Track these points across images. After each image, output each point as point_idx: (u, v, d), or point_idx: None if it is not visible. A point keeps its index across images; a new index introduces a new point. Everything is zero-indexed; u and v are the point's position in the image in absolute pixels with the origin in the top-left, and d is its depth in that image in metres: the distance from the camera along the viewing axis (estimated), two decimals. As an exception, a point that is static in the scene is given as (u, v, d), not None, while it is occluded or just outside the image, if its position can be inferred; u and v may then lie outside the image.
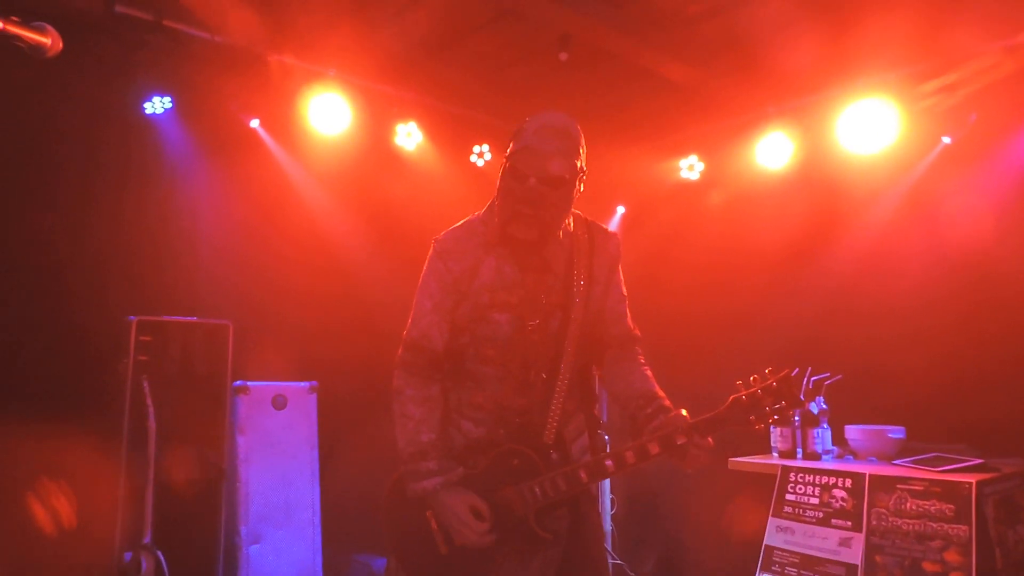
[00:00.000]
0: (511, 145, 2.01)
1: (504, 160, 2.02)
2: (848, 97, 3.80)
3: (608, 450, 2.14)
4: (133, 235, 3.80)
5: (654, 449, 1.89)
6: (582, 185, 2.04)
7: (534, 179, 1.93)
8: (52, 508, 3.07)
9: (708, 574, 4.22)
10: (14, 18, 1.43)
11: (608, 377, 2.16)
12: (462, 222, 2.14)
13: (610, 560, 3.75)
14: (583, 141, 2.03)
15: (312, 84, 4.04)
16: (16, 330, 3.36)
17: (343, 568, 4.08)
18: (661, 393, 2.06)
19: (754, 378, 1.88)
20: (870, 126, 3.72)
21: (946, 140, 3.66)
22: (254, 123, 4.21)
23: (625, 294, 2.20)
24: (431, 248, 2.12)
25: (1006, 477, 2.76)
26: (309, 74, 4.04)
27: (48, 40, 1.48)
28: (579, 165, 1.99)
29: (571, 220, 2.12)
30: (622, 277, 2.20)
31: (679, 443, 1.86)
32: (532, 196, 1.94)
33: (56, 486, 3.10)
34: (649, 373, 2.13)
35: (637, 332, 2.20)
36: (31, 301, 3.42)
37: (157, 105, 3.91)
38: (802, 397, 3.28)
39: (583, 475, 1.94)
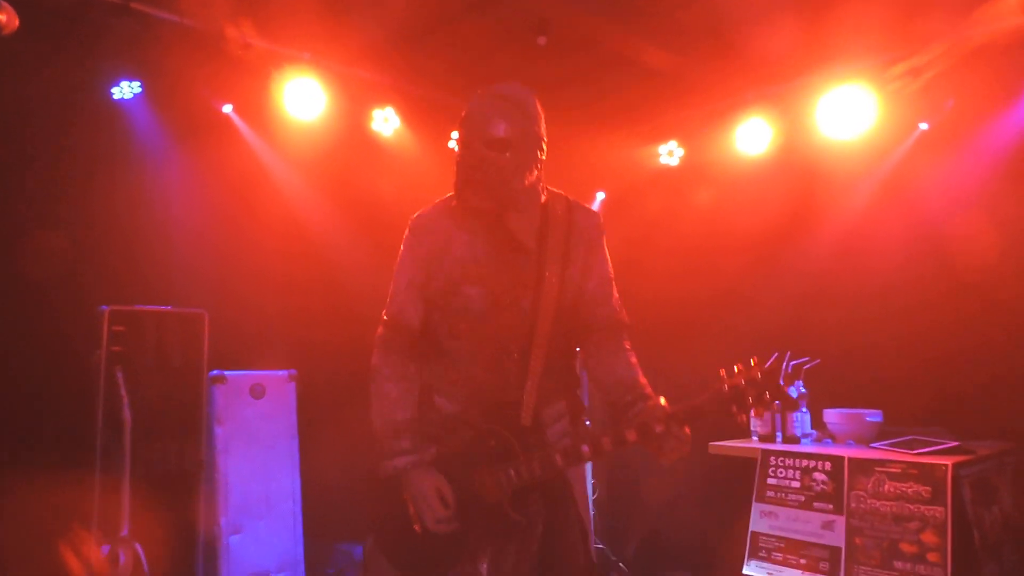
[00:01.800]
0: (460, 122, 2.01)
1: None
2: (826, 83, 3.82)
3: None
4: (104, 223, 3.72)
5: (631, 436, 1.86)
6: (542, 154, 2.03)
7: (477, 143, 1.94)
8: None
9: (689, 556, 4.26)
10: None
11: (591, 362, 2.12)
12: (437, 201, 2.14)
13: (592, 545, 3.76)
14: (537, 109, 2.03)
15: (286, 68, 3.97)
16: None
17: (325, 557, 4.06)
18: (644, 382, 2.03)
19: (739, 368, 1.83)
20: (848, 112, 3.75)
21: (923, 126, 3.69)
22: (227, 108, 4.13)
23: (611, 275, 2.14)
24: (407, 230, 2.13)
25: (981, 459, 2.81)
26: (283, 58, 3.97)
27: (3, 17, 1.42)
28: (530, 130, 1.98)
29: (544, 194, 2.10)
30: (607, 258, 2.15)
31: (657, 431, 1.83)
32: (476, 160, 1.94)
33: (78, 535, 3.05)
34: (634, 361, 2.09)
35: (624, 317, 2.14)
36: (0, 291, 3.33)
37: (126, 90, 3.82)
38: (782, 382, 3.30)
39: (559, 459, 1.91)
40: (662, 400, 1.90)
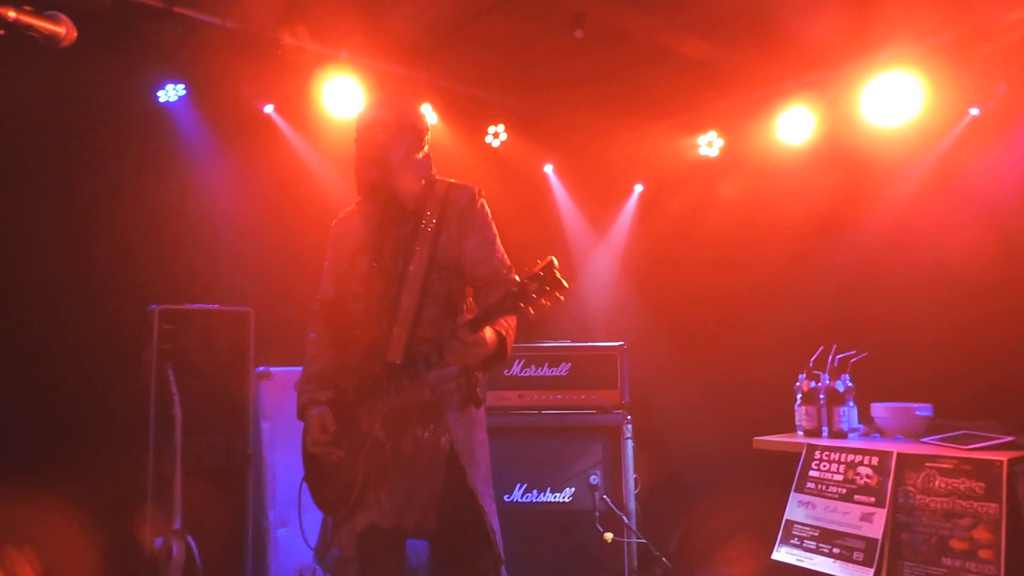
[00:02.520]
0: None
1: None
2: (872, 69, 3.72)
3: (481, 387, 2.42)
4: (152, 224, 3.81)
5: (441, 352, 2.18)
6: (421, 140, 2.46)
7: (362, 131, 2.43)
8: None
9: (732, 552, 4.23)
10: (27, 7, 1.41)
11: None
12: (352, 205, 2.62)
13: (634, 539, 3.76)
14: (413, 106, 2.53)
15: (325, 67, 4.01)
16: (41, 322, 3.38)
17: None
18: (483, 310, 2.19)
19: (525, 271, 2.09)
20: (894, 98, 3.64)
21: (974, 111, 3.58)
22: (268, 108, 4.19)
23: (490, 239, 2.43)
24: None
25: (1037, 454, 2.73)
26: (321, 57, 4.01)
27: (62, 29, 1.46)
28: (404, 117, 2.44)
29: (427, 179, 2.47)
30: (487, 224, 2.45)
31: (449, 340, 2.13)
32: (360, 141, 2.43)
33: None
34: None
35: (510, 275, 2.38)
36: (54, 293, 3.44)
37: (171, 93, 3.90)
38: (827, 375, 3.26)
39: (405, 381, 2.26)
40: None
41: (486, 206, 2.48)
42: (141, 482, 3.39)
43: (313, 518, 3.78)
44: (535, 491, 3.88)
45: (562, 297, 2.03)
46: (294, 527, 3.73)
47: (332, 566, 2.44)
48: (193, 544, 3.22)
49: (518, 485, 3.89)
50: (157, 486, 3.36)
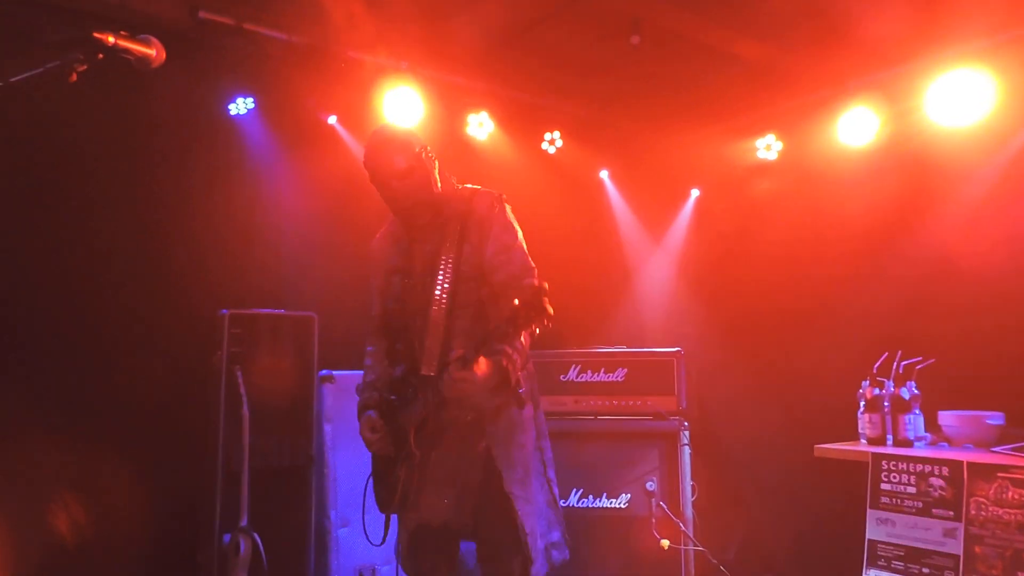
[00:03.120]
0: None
1: None
2: (938, 67, 3.61)
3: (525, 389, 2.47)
4: (222, 231, 3.94)
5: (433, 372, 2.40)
6: (434, 163, 2.54)
7: (389, 179, 2.46)
8: None
9: (791, 561, 4.15)
10: (123, 32, 1.50)
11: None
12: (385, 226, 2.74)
13: (691, 547, 3.73)
14: (416, 137, 2.55)
15: (386, 78, 4.11)
16: (119, 326, 3.55)
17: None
18: (500, 340, 2.27)
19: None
20: (962, 97, 3.53)
21: (1048, 109, 3.45)
22: (332, 119, 4.31)
23: (509, 245, 2.48)
24: None
25: (1117, 465, 2.61)
26: (383, 68, 4.11)
27: (154, 52, 1.55)
28: (419, 153, 2.48)
29: (448, 191, 2.56)
30: (508, 229, 2.50)
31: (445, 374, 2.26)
32: (393, 193, 2.48)
33: None
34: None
35: (525, 280, 2.41)
36: (133, 297, 3.60)
37: (240, 106, 4.06)
38: (891, 382, 3.18)
39: (430, 395, 2.36)
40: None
41: (507, 210, 2.53)
42: (211, 479, 3.52)
43: (376, 518, 3.87)
44: (591, 496, 3.88)
45: (548, 323, 2.10)
46: (355, 527, 3.81)
47: (398, 561, 2.61)
48: (259, 541, 3.31)
49: (574, 490, 3.89)
50: (225, 484, 3.46)
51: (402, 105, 4.13)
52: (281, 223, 4.21)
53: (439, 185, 2.56)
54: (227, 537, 3.36)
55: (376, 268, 2.69)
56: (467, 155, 4.65)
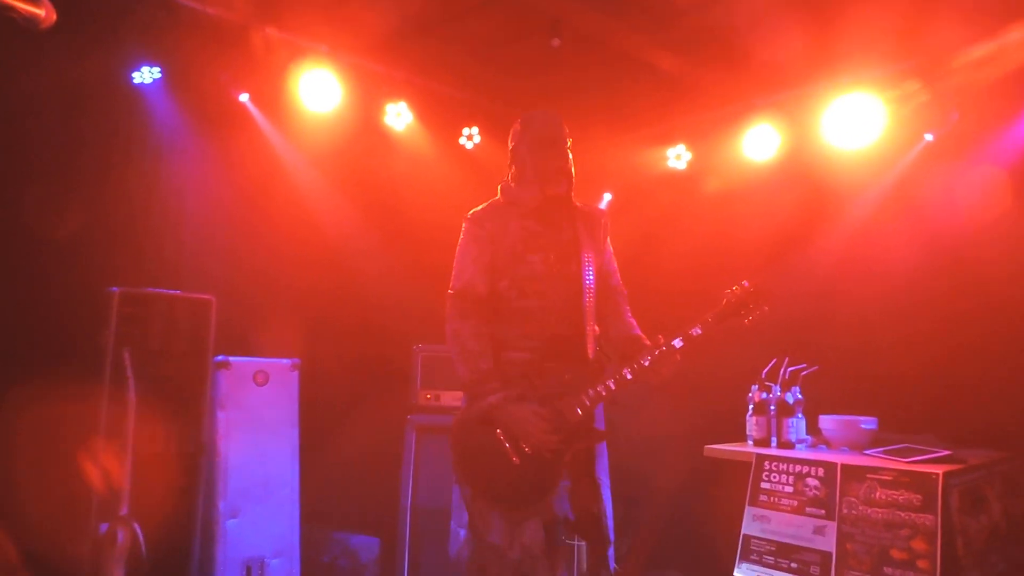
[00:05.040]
0: (524, 132, 2.67)
1: (518, 143, 2.67)
2: (834, 91, 3.83)
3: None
4: (119, 206, 3.77)
5: (645, 361, 2.44)
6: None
7: (562, 144, 2.60)
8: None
9: (680, 557, 4.28)
10: None
11: (605, 321, 2.66)
12: (486, 204, 2.68)
13: (582, 542, 3.78)
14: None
15: (303, 59, 4.02)
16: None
17: (321, 545, 4.10)
18: (642, 335, 2.63)
19: (736, 287, 2.53)
20: (855, 121, 3.75)
21: (929, 137, 3.71)
22: (243, 97, 4.17)
23: (612, 254, 2.77)
24: (464, 225, 2.65)
25: (972, 468, 2.82)
26: (300, 49, 4.02)
27: (42, 12, 1.47)
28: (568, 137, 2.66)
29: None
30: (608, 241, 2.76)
31: (688, 340, 2.49)
32: (564, 157, 2.60)
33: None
34: (633, 322, 2.71)
35: (624, 289, 2.78)
36: (14, 271, 3.39)
37: (146, 75, 3.88)
38: (778, 387, 3.33)
39: (628, 374, 2.42)
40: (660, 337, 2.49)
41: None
42: (90, 464, 3.34)
43: (265, 511, 3.77)
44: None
45: (766, 308, 2.46)
46: (244, 518, 3.70)
47: (520, 567, 2.42)
48: (139, 531, 3.17)
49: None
50: (106, 471, 3.31)
51: (319, 89, 4.06)
52: (184, 201, 4.06)
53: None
54: (104, 527, 3.20)
55: (495, 243, 2.57)
56: (385, 145, 4.60)
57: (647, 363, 2.42)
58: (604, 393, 2.41)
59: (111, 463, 3.15)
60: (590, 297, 2.54)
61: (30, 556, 3.08)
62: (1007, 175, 3.40)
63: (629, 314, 2.72)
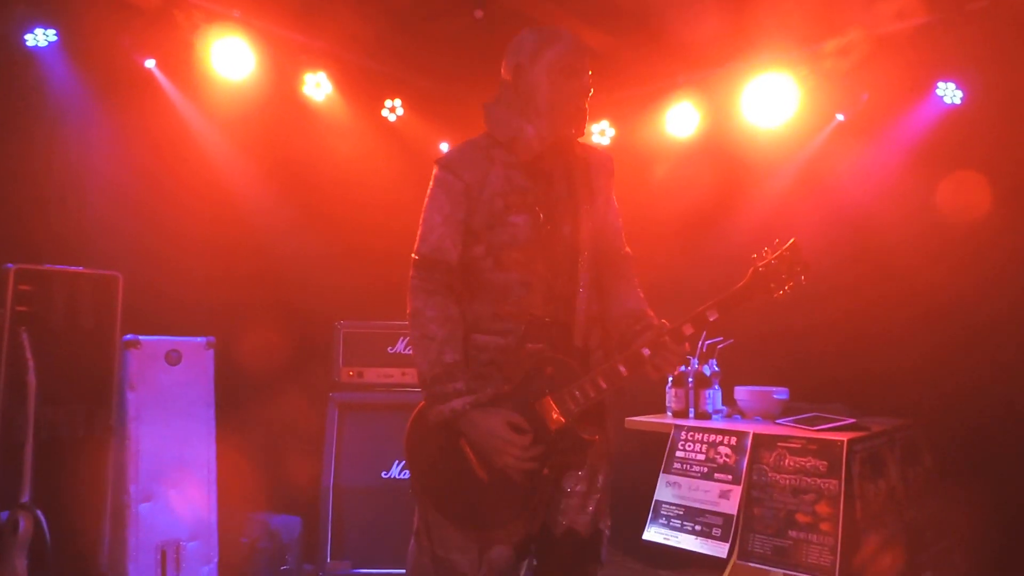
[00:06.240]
0: (540, 51, 2.01)
1: (530, 62, 2.01)
2: (752, 70, 3.91)
3: None
4: (13, 178, 3.56)
5: (646, 353, 1.92)
6: None
7: (587, 77, 2.01)
8: None
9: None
10: None
11: (604, 293, 2.12)
12: (462, 143, 2.11)
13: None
14: None
15: (214, 25, 3.85)
16: None
17: (239, 526, 4.01)
18: (651, 312, 2.07)
19: (766, 250, 1.99)
20: (771, 100, 3.85)
21: (840, 117, 3.83)
22: (150, 63, 3.97)
23: (617, 207, 2.21)
24: (434, 169, 2.06)
25: (874, 435, 2.96)
26: (211, 15, 3.84)
27: None
28: None
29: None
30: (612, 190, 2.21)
31: (689, 333, 1.95)
32: (587, 95, 2.01)
33: None
34: (641, 295, 2.14)
35: (630, 251, 2.22)
36: None
37: (40, 37, 3.64)
38: (696, 360, 3.41)
39: (623, 369, 1.91)
40: (666, 323, 1.97)
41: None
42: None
43: (180, 493, 3.66)
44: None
45: (804, 279, 1.94)
46: (158, 502, 3.59)
47: None
48: (43, 518, 3.05)
49: (396, 462, 3.89)
50: (6, 458, 3.15)
51: (231, 57, 3.90)
52: (86, 172, 3.85)
53: None
54: (4, 515, 3.05)
55: (471, 198, 1.99)
56: (304, 115, 4.47)
57: (647, 353, 1.91)
58: (593, 394, 1.90)
59: None
60: (586, 270, 2.01)
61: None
62: (914, 153, 3.55)
63: (636, 284, 2.16)
